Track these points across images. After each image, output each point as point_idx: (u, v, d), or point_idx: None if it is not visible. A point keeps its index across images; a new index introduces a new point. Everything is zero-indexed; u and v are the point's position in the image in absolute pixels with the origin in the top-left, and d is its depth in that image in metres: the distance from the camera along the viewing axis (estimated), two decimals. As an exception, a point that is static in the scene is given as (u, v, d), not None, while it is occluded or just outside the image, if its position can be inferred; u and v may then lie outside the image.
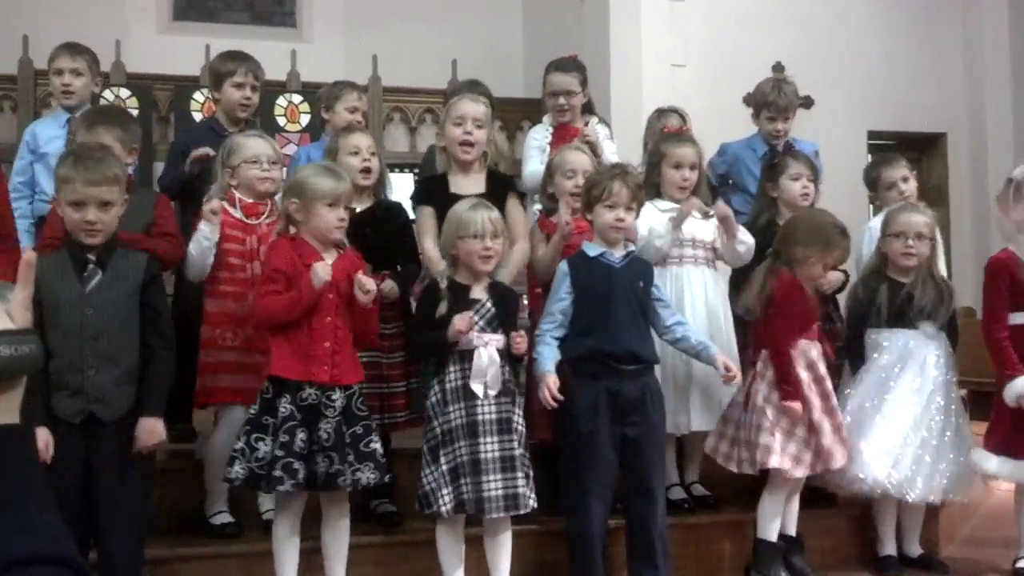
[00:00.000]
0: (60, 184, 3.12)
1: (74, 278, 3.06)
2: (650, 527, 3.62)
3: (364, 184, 3.86)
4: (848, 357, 4.25)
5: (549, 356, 3.57)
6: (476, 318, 3.40)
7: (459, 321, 3.33)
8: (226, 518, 3.71)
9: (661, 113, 4.96)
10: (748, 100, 5.26)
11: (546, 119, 4.86)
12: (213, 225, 3.58)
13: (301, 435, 3.19)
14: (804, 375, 3.83)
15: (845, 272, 4.37)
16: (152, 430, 3.10)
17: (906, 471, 3.92)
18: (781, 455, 3.76)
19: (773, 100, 5.00)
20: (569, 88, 4.71)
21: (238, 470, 3.20)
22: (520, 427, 3.43)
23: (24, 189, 4.45)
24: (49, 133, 4.53)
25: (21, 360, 1.08)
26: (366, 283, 3.27)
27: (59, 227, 3.28)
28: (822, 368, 3.90)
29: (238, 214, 3.73)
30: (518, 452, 3.36)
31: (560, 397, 3.48)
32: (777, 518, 3.87)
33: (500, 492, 3.31)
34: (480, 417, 3.35)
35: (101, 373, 3.04)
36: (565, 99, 4.71)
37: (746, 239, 4.13)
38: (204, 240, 3.59)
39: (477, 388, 3.35)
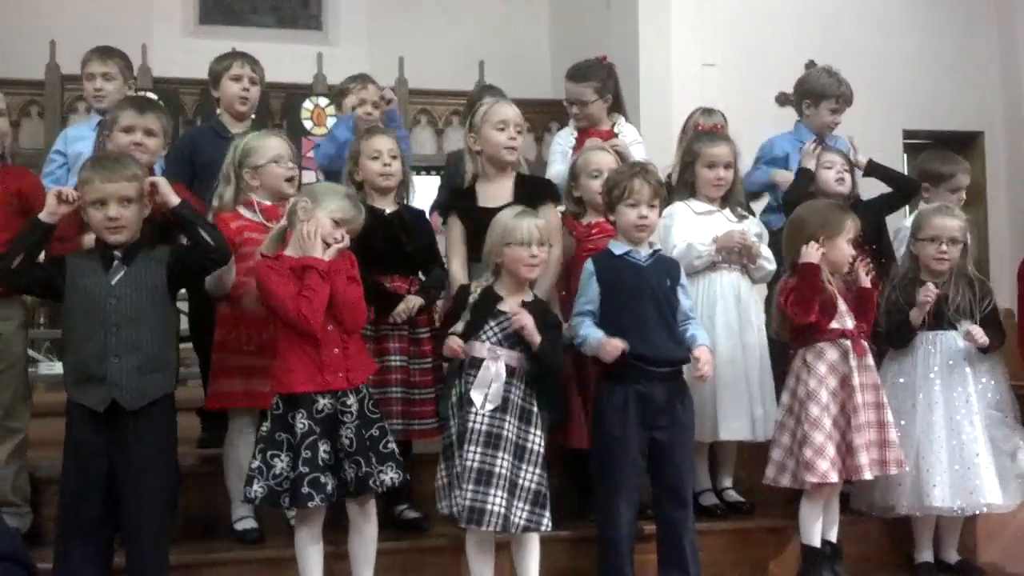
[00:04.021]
0: (82, 187, 3.21)
1: (101, 272, 3.17)
2: (681, 532, 3.59)
3: (384, 186, 3.82)
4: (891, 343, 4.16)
5: (593, 329, 3.52)
6: (497, 329, 3.38)
7: (448, 345, 3.37)
8: (249, 524, 3.68)
9: (703, 112, 4.86)
10: (799, 94, 5.14)
11: (572, 122, 4.81)
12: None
13: (324, 447, 3.18)
14: (829, 379, 3.73)
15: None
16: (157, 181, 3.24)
17: (977, 483, 3.88)
18: (819, 469, 3.66)
19: (836, 91, 4.93)
20: (581, 98, 4.62)
21: (257, 489, 3.19)
22: (535, 445, 3.37)
23: None
24: (78, 134, 4.54)
25: None
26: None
27: (69, 225, 3.32)
28: (856, 378, 3.75)
29: (258, 218, 3.66)
30: (501, 470, 3.30)
31: (623, 345, 3.46)
32: (818, 522, 3.79)
33: (467, 504, 3.28)
34: (470, 426, 3.33)
35: (124, 361, 3.11)
36: (578, 108, 4.64)
37: (767, 264, 4.10)
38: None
39: (476, 398, 3.35)
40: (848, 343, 3.76)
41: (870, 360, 3.82)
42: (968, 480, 3.89)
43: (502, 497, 3.28)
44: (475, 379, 3.35)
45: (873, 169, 4.54)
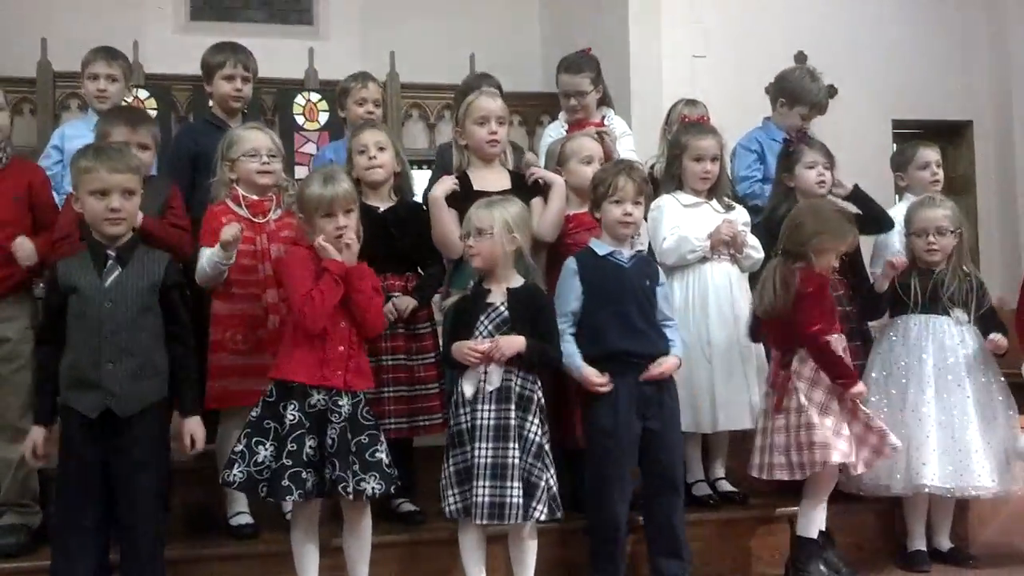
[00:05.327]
0: (81, 176, 3.16)
1: (94, 274, 3.12)
2: (674, 520, 3.63)
3: (373, 180, 3.82)
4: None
5: (576, 353, 3.56)
6: (487, 323, 3.40)
7: (457, 351, 3.39)
8: (244, 519, 3.70)
9: (687, 103, 4.88)
10: (776, 89, 5.15)
11: (562, 116, 4.82)
12: (230, 252, 3.50)
13: (310, 443, 3.19)
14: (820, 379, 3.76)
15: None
16: (193, 430, 3.20)
17: (967, 465, 3.91)
18: (839, 448, 3.68)
19: (812, 99, 4.94)
20: (580, 89, 4.68)
21: (236, 473, 3.19)
22: (533, 435, 3.38)
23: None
24: (76, 132, 4.53)
25: None
26: (328, 248, 3.26)
27: (71, 223, 3.30)
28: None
29: (244, 212, 3.68)
30: (514, 460, 3.31)
31: (605, 382, 3.51)
32: (821, 515, 3.82)
33: (486, 499, 3.29)
34: (479, 422, 3.34)
35: (118, 367, 3.08)
36: (576, 100, 4.69)
37: (754, 253, 4.13)
38: (221, 265, 3.53)
39: (467, 389, 3.36)
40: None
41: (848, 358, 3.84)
42: (959, 462, 3.92)
43: (519, 488, 3.30)
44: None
45: (856, 197, 4.41)
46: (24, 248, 3.54)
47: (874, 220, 4.41)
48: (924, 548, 4.13)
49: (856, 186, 4.42)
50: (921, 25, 7.97)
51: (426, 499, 3.79)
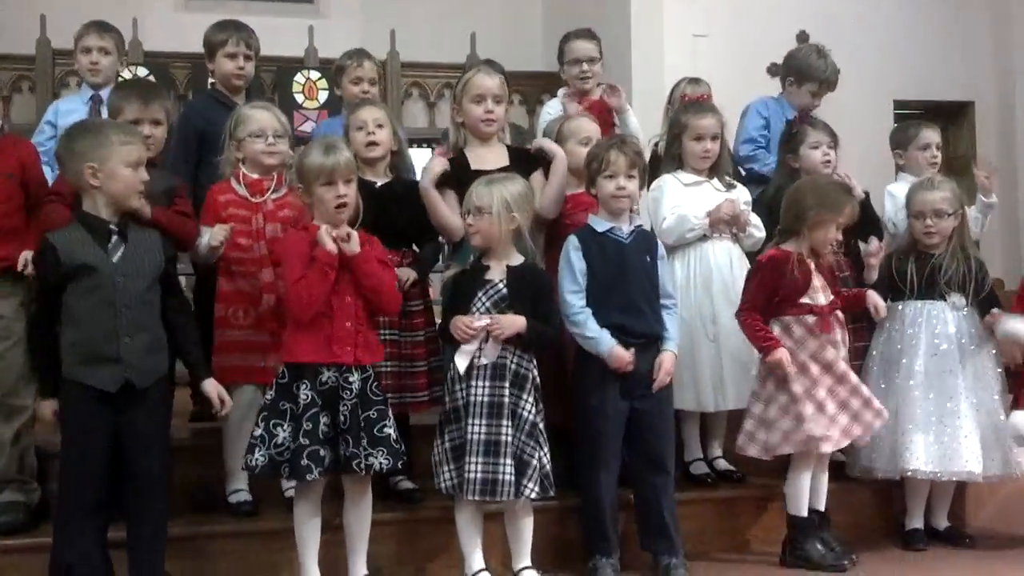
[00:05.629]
0: (116, 148, 3.15)
1: (99, 249, 3.12)
2: (662, 501, 3.64)
3: (370, 156, 3.80)
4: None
5: (603, 332, 3.55)
6: (485, 300, 3.41)
7: (455, 325, 3.38)
8: (243, 496, 3.71)
9: (689, 82, 4.87)
10: (785, 68, 5.13)
11: (561, 92, 4.82)
12: (214, 254, 3.57)
13: (324, 420, 3.20)
14: (799, 352, 3.75)
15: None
16: (218, 390, 3.28)
17: (956, 451, 3.92)
18: (817, 426, 3.70)
19: (820, 75, 4.93)
20: (592, 55, 4.76)
21: (259, 457, 3.20)
22: (527, 413, 3.39)
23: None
24: (69, 108, 4.53)
25: None
26: (325, 237, 3.22)
27: (71, 193, 3.32)
28: (828, 353, 3.78)
29: (243, 191, 3.69)
30: (507, 438, 3.33)
31: (632, 358, 3.53)
32: (806, 493, 3.83)
33: (478, 475, 3.31)
34: (473, 399, 3.36)
35: (135, 340, 3.10)
36: (588, 65, 4.73)
37: (756, 232, 4.13)
38: (209, 246, 3.57)
39: (460, 363, 3.36)
40: (811, 319, 3.76)
41: (838, 336, 3.83)
42: (947, 447, 3.93)
43: (511, 465, 3.31)
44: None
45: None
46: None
47: (869, 226, 4.32)
48: (921, 527, 4.15)
49: (867, 195, 4.36)
50: (923, 5, 7.95)
51: (423, 477, 3.79)
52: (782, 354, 3.69)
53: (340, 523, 3.42)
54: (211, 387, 3.29)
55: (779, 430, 3.76)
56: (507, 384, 3.37)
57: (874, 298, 3.97)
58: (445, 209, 3.77)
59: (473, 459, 3.32)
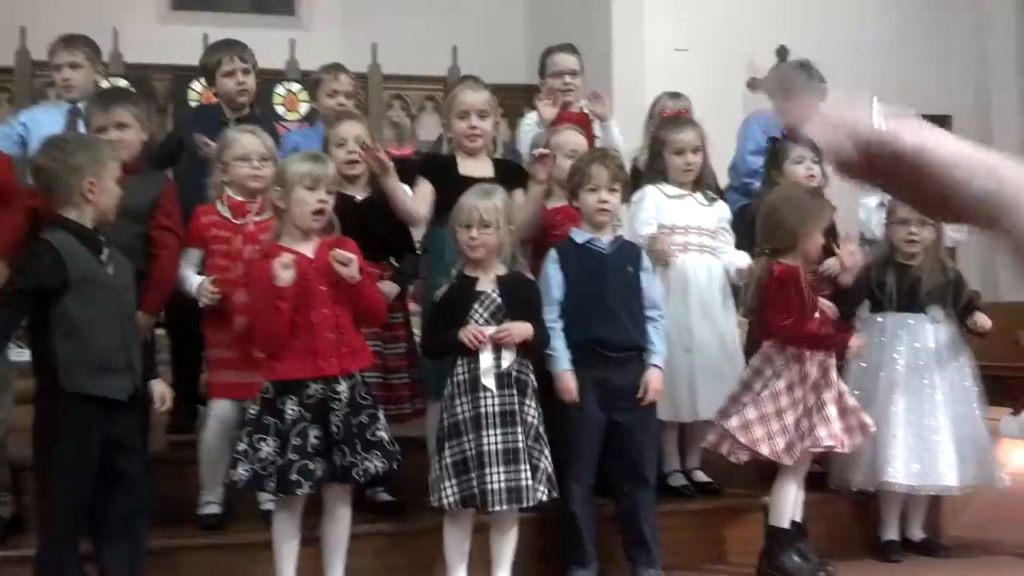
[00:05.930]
0: (109, 163, 3.17)
1: (95, 259, 3.11)
2: (641, 513, 3.65)
3: (350, 174, 3.81)
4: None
5: (563, 352, 3.57)
6: (481, 311, 3.40)
7: (467, 333, 3.36)
8: (212, 508, 3.67)
9: (670, 96, 4.89)
10: (772, 84, 5.16)
11: (540, 105, 4.83)
12: (212, 295, 3.54)
13: (314, 433, 3.18)
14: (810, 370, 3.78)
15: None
16: (160, 390, 3.30)
17: (934, 464, 3.95)
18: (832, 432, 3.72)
19: (808, 90, 4.93)
20: (575, 68, 4.74)
21: (241, 472, 3.19)
22: (531, 418, 3.40)
23: None
24: (48, 119, 4.44)
25: None
26: (341, 255, 3.22)
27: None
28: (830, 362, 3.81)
29: (226, 212, 3.69)
30: (523, 444, 3.34)
31: (576, 399, 3.53)
32: (791, 504, 3.84)
33: (503, 485, 3.30)
34: (484, 410, 3.34)
35: (136, 349, 3.17)
36: (571, 78, 4.71)
37: (737, 261, 4.11)
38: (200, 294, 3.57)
39: (488, 383, 3.35)
40: None
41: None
42: (925, 462, 3.96)
43: (528, 471, 3.33)
44: (474, 365, 3.37)
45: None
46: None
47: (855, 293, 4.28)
48: (897, 538, 4.17)
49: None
50: (901, 20, 8.01)
51: (402, 491, 3.79)
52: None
53: (317, 536, 3.40)
54: (157, 386, 3.30)
55: (786, 434, 3.74)
56: (515, 391, 3.38)
57: (857, 342, 3.91)
58: (405, 195, 3.79)
59: (495, 469, 3.30)
